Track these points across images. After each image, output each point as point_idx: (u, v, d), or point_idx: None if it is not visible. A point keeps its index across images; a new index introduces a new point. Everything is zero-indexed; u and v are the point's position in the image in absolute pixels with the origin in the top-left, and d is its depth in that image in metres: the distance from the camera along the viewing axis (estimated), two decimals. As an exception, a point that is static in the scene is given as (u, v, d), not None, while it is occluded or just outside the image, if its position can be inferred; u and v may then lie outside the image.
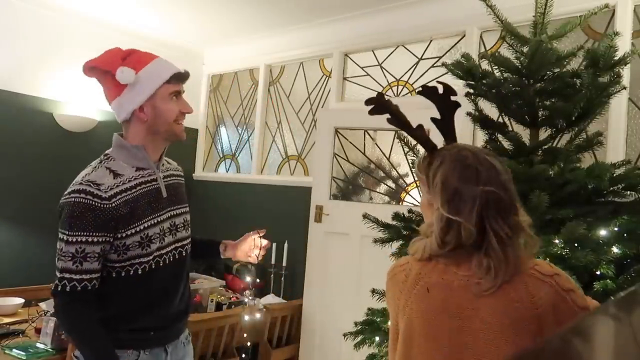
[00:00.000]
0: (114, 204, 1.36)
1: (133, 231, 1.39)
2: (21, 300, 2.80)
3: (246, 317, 1.92)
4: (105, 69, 1.50)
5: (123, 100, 1.52)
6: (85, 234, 1.32)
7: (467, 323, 1.02)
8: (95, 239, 1.33)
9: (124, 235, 1.37)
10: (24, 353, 2.14)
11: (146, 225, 1.42)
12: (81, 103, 3.87)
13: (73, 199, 1.34)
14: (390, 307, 1.18)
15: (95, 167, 1.46)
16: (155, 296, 1.47)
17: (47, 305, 2.57)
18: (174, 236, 1.51)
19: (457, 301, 1.03)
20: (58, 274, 1.34)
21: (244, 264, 3.76)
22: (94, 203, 1.33)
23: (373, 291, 2.06)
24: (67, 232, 1.33)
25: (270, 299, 3.68)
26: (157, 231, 1.44)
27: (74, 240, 1.32)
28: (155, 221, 1.45)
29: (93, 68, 1.53)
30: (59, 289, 1.33)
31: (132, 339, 1.43)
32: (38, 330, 2.35)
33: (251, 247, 1.74)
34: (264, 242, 1.72)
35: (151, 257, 1.43)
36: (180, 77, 1.51)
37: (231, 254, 1.75)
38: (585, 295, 1.25)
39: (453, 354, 1.03)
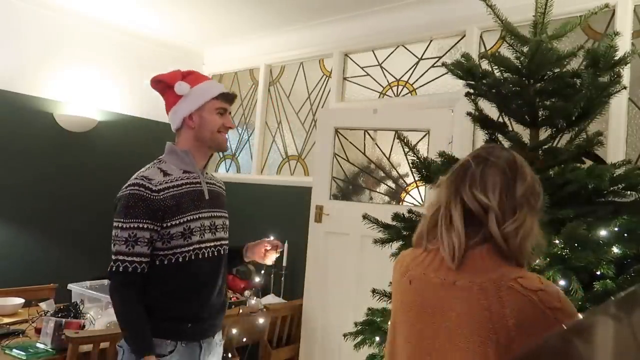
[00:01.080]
0: (162, 197, 1.59)
1: (177, 222, 1.60)
2: (21, 300, 2.79)
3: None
4: (168, 83, 1.71)
5: (177, 108, 1.73)
6: (137, 220, 1.56)
7: (438, 321, 1.03)
8: (145, 226, 1.56)
9: (169, 225, 1.59)
10: (24, 353, 2.15)
11: (189, 219, 1.62)
12: (81, 103, 3.87)
13: (129, 191, 1.59)
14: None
15: (149, 167, 1.71)
16: (193, 286, 1.64)
17: (47, 306, 2.57)
18: (214, 234, 1.71)
19: (432, 298, 1.05)
20: (113, 257, 1.58)
21: (256, 263, 3.79)
22: (145, 194, 1.58)
23: (373, 291, 2.06)
24: (122, 220, 1.57)
25: (271, 299, 3.68)
26: (198, 226, 1.65)
27: (128, 226, 1.56)
28: (197, 217, 1.65)
29: (159, 81, 1.75)
30: (113, 269, 1.57)
31: (170, 329, 1.59)
32: (38, 331, 2.35)
33: (264, 250, 1.87)
34: (278, 243, 1.87)
35: (191, 248, 1.62)
36: (227, 98, 1.77)
37: (250, 255, 1.91)
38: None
39: (422, 349, 1.05)
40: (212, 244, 1.70)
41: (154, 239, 1.58)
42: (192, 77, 1.75)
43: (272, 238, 1.88)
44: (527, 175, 1.05)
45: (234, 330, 3.02)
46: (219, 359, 1.75)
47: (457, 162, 1.14)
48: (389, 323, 1.19)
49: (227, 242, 1.78)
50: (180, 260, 1.61)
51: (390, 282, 1.27)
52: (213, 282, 1.69)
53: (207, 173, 1.83)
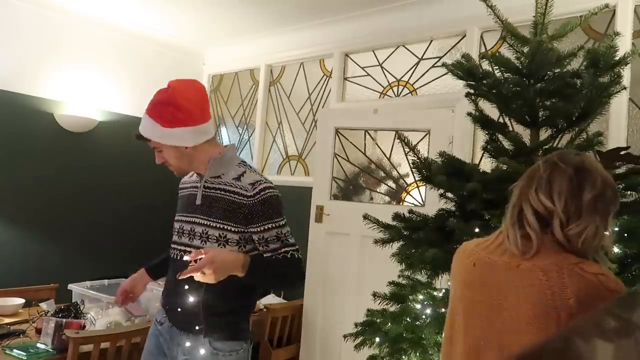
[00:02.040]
0: (178, 194, 1.82)
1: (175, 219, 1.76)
2: (22, 301, 2.80)
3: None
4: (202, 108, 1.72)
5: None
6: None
7: (501, 302, 1.08)
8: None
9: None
10: (24, 353, 2.15)
11: (176, 219, 1.74)
12: (81, 103, 3.88)
13: None
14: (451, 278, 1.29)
15: None
16: (168, 279, 1.76)
17: (47, 306, 2.57)
18: (179, 238, 1.70)
19: (495, 279, 1.10)
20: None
21: None
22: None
23: (374, 294, 2.06)
24: None
25: (271, 299, 3.68)
26: (176, 227, 1.73)
27: None
28: (178, 219, 1.73)
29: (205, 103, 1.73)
30: None
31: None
32: (38, 331, 2.35)
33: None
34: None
35: (171, 247, 1.74)
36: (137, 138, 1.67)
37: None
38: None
39: (484, 329, 1.10)
40: (177, 247, 1.69)
41: None
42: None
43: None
44: (598, 181, 1.08)
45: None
46: None
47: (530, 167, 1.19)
48: (449, 308, 1.24)
49: (192, 249, 1.59)
50: (171, 256, 1.75)
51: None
52: (175, 283, 1.62)
53: (219, 177, 1.65)
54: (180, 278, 1.45)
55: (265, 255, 1.61)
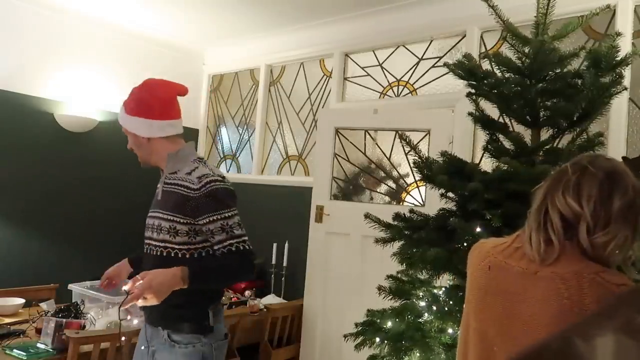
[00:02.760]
0: None
1: None
2: (22, 301, 2.79)
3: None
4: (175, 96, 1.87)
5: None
6: None
7: (517, 309, 1.04)
8: None
9: None
10: (24, 353, 2.14)
11: (147, 215, 1.82)
12: (82, 103, 3.87)
13: None
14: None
15: None
16: None
17: (47, 306, 2.57)
18: (145, 233, 1.81)
19: (511, 285, 1.06)
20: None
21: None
22: None
23: (379, 288, 2.05)
24: None
25: (271, 299, 3.68)
26: (146, 223, 1.81)
27: None
28: (149, 215, 1.80)
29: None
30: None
31: None
32: (39, 331, 2.35)
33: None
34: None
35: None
36: None
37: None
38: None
39: (498, 335, 1.07)
40: (146, 241, 1.80)
41: None
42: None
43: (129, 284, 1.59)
44: (629, 189, 1.03)
45: (235, 331, 3.02)
46: (171, 358, 1.68)
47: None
48: (463, 312, 1.21)
49: (156, 242, 1.72)
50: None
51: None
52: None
53: (174, 173, 1.75)
54: (123, 309, 1.56)
55: (214, 247, 1.67)
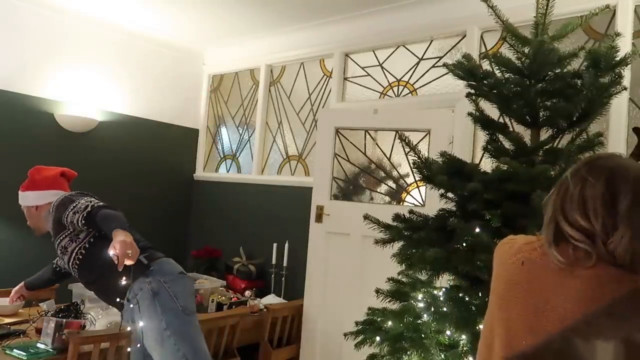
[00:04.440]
0: None
1: None
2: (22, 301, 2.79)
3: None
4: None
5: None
6: None
7: (551, 305, 1.03)
8: None
9: None
10: (24, 353, 2.14)
11: None
12: (82, 103, 3.87)
13: None
14: (492, 275, 1.23)
15: None
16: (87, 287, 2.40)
17: (47, 306, 2.57)
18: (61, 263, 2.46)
19: (546, 282, 1.05)
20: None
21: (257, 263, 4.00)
22: None
23: (377, 291, 2.06)
24: None
25: (271, 299, 3.68)
26: None
27: None
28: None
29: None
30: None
31: None
32: (39, 331, 2.35)
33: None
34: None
35: None
36: None
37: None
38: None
39: (528, 331, 1.05)
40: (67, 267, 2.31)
41: None
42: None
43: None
44: (630, 185, 1.02)
45: (235, 331, 3.02)
46: (142, 308, 2.03)
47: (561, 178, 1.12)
48: (488, 311, 1.19)
49: (68, 262, 2.22)
50: None
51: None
52: (92, 286, 2.28)
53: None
54: (120, 269, 1.88)
55: (79, 224, 2.07)
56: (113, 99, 4.15)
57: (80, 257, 2.15)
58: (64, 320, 2.29)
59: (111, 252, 1.85)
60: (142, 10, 3.82)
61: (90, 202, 2.10)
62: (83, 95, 3.91)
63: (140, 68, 4.31)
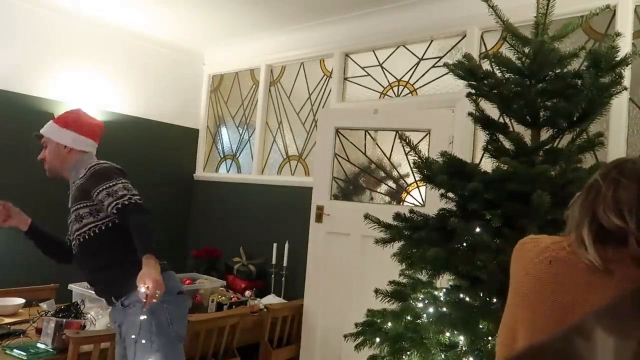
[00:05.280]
0: None
1: None
2: (22, 301, 2.80)
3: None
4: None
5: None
6: None
7: (580, 303, 1.03)
8: None
9: None
10: (24, 353, 2.15)
11: None
12: (82, 103, 3.87)
13: None
14: (511, 275, 1.22)
15: None
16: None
17: (47, 306, 2.57)
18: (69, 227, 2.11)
19: (574, 280, 1.05)
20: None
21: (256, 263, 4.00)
22: None
23: (376, 291, 2.05)
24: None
25: (271, 299, 3.68)
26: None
27: None
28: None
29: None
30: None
31: None
32: (39, 331, 2.35)
33: None
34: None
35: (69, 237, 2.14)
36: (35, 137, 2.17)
37: None
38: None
39: (556, 325, 1.04)
40: (70, 240, 2.13)
41: None
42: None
43: None
44: None
45: (235, 331, 3.02)
46: (129, 321, 1.92)
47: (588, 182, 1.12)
48: (507, 312, 1.18)
49: (74, 235, 2.06)
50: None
51: None
52: (85, 271, 2.09)
53: (77, 177, 2.07)
54: (145, 308, 1.79)
55: (108, 212, 1.94)
56: (113, 99, 4.15)
57: (92, 235, 1.99)
58: (64, 320, 2.29)
59: (142, 288, 1.73)
60: (142, 10, 3.82)
61: (128, 191, 1.95)
62: (83, 95, 3.91)
63: (141, 68, 4.31)
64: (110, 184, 1.95)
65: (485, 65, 2.04)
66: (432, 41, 3.42)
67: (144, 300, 1.73)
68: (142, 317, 1.84)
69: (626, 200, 1.02)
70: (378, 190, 3.56)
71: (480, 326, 1.67)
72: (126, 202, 1.91)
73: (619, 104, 2.51)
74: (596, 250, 1.02)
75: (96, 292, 2.14)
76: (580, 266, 1.05)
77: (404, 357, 1.81)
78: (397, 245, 1.98)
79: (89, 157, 2.12)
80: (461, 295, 1.80)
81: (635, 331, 0.81)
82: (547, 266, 1.11)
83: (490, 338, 1.63)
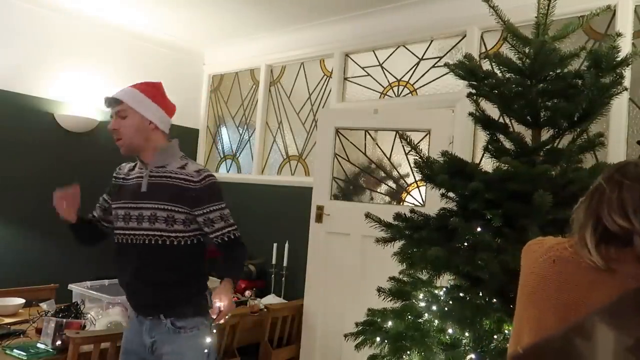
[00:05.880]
0: (113, 182, 1.96)
1: (114, 206, 1.87)
2: (22, 301, 2.79)
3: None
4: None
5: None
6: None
7: (583, 301, 1.03)
8: (101, 199, 2.02)
9: (111, 207, 1.91)
10: (24, 353, 2.14)
11: (115, 206, 1.86)
12: (82, 103, 3.87)
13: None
14: (520, 277, 1.23)
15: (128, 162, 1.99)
16: (116, 266, 1.90)
17: (47, 306, 2.57)
18: (127, 224, 1.82)
19: (578, 279, 1.05)
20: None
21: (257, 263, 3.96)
22: (114, 180, 1.97)
23: (378, 290, 2.05)
24: None
25: (271, 299, 3.68)
26: (122, 214, 1.83)
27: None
28: (118, 206, 1.85)
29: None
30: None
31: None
32: (39, 331, 2.35)
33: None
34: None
35: (116, 233, 1.87)
36: (106, 102, 1.85)
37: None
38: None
39: (560, 323, 1.04)
40: (124, 232, 1.83)
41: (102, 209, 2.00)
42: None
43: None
44: None
45: (235, 331, 3.02)
46: (176, 345, 1.76)
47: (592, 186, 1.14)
48: (517, 303, 1.19)
49: (141, 232, 1.79)
50: (115, 241, 1.89)
51: None
52: (125, 266, 1.83)
53: (164, 167, 1.84)
54: (218, 323, 1.69)
55: (212, 235, 1.82)
56: (113, 98, 4.14)
57: (176, 244, 1.77)
58: (64, 320, 2.29)
59: (217, 303, 1.65)
60: (142, 10, 3.82)
61: (235, 224, 1.87)
62: (83, 95, 3.90)
63: (141, 68, 4.31)
64: (223, 206, 1.83)
65: (486, 66, 2.04)
66: (432, 41, 3.42)
67: (214, 317, 1.66)
68: (209, 341, 1.75)
69: (631, 201, 1.03)
70: (378, 190, 3.56)
71: (483, 324, 1.67)
72: (238, 234, 1.86)
73: (619, 104, 2.51)
74: (598, 251, 1.02)
75: (134, 303, 1.85)
76: (583, 265, 1.05)
77: (404, 356, 1.81)
78: (397, 245, 1.98)
79: (175, 146, 1.89)
80: (461, 294, 1.80)
81: (636, 328, 0.81)
82: (551, 265, 1.11)
83: (494, 337, 1.64)
